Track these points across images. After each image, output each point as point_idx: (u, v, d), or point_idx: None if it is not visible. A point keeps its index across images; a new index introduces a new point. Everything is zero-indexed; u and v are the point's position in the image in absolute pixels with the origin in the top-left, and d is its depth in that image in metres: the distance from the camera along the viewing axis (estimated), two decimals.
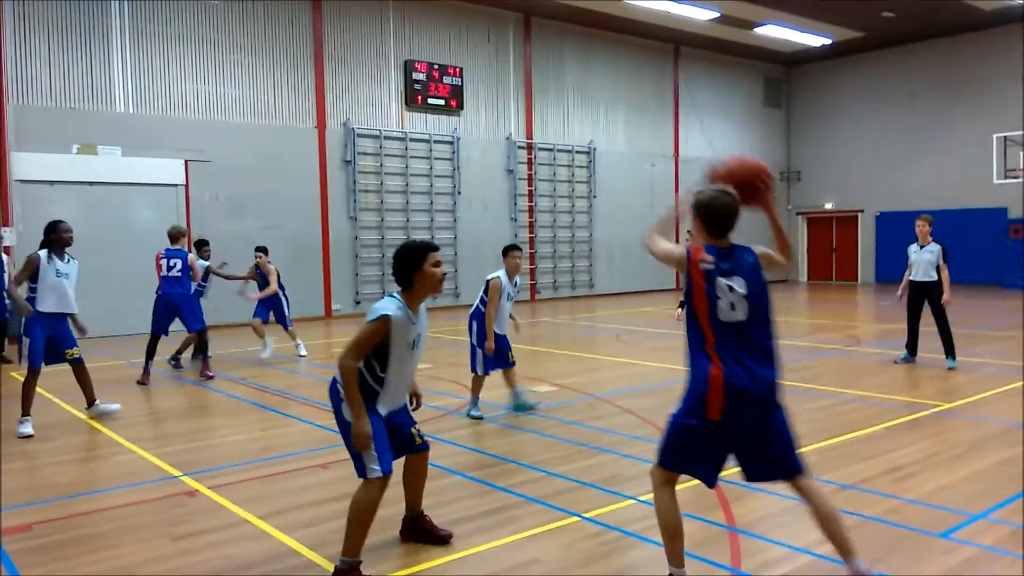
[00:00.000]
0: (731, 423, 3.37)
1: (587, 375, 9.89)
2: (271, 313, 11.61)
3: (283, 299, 11.65)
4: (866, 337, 13.22)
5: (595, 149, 22.39)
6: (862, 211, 26.11)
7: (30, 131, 14.15)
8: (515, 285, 7.53)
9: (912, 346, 10.09)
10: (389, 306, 3.87)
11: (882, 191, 25.29)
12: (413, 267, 3.94)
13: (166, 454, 6.40)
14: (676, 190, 22.77)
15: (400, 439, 4.18)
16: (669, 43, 24.05)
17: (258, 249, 11.85)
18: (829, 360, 10.74)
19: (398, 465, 4.13)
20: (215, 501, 5.19)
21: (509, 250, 7.53)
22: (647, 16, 20.83)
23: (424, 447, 4.34)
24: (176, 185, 15.75)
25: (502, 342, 7.46)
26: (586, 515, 4.74)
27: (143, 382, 9.61)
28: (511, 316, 7.62)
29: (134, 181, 15.24)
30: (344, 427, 3.92)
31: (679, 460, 3.53)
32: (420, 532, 4.43)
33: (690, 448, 3.48)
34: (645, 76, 23.79)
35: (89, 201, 14.72)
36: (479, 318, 7.40)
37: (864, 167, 25.81)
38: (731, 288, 3.40)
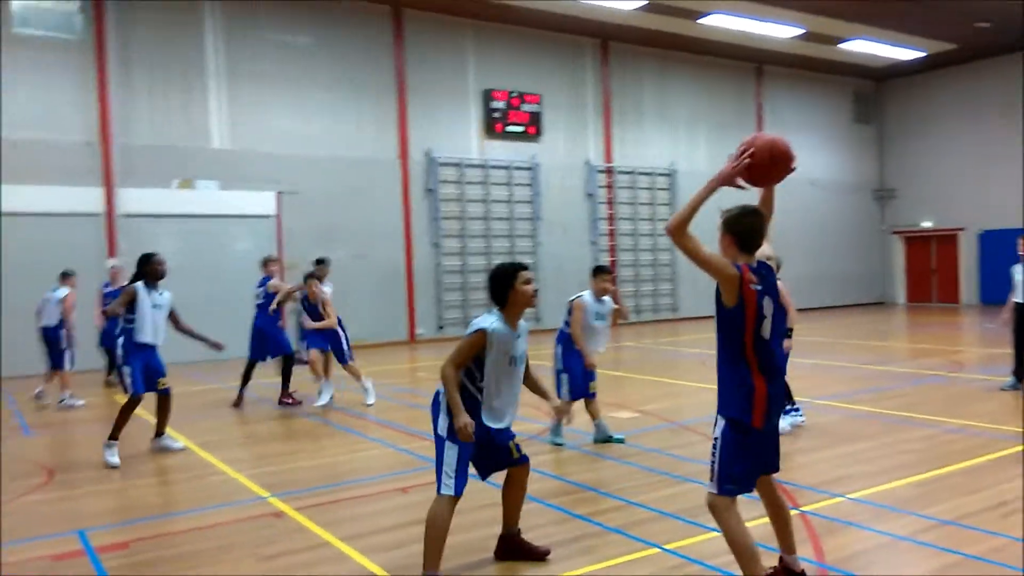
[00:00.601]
0: (768, 428, 3.62)
1: (669, 401, 9.70)
2: (329, 346, 10.14)
3: (340, 330, 10.12)
4: (970, 362, 12.50)
5: (676, 171, 22.13)
6: (963, 229, 24.82)
7: (133, 168, 15.03)
8: (603, 304, 7.38)
9: (1019, 372, 9.48)
10: (488, 320, 4.17)
11: (984, 208, 23.98)
12: (507, 286, 4.23)
13: (255, 475, 6.61)
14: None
15: (498, 455, 4.35)
16: (751, 62, 23.64)
17: (309, 276, 10.19)
18: (930, 387, 10.20)
19: (490, 481, 4.13)
20: (300, 523, 5.31)
21: (598, 272, 7.44)
22: (726, 36, 20.55)
23: (523, 460, 4.45)
24: (269, 216, 16.42)
25: (589, 371, 7.30)
26: (667, 547, 4.62)
27: (237, 405, 9.98)
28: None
29: (230, 213, 15.98)
30: (439, 441, 4.14)
31: (740, 480, 3.60)
32: (516, 551, 4.49)
33: (747, 461, 3.59)
34: (726, 95, 23.42)
35: (188, 233, 15.50)
36: (564, 341, 7.30)
37: (963, 183, 24.56)
38: (768, 306, 3.58)
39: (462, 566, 4.40)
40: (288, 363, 10.32)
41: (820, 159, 25.08)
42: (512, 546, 4.49)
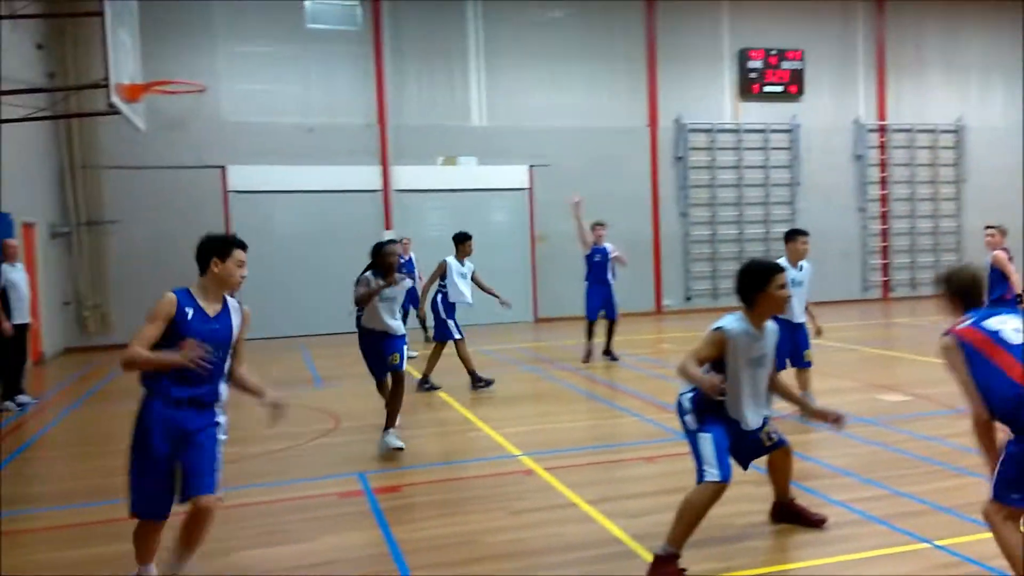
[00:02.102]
0: None
1: (950, 385, 8.69)
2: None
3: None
4: None
5: (964, 127, 19.53)
6: None
7: (404, 147, 16.41)
8: (800, 270, 7.15)
9: None
10: (729, 320, 4.03)
11: None
12: (758, 287, 4.03)
13: (508, 434, 7.00)
14: None
15: (750, 447, 4.28)
16: None
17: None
18: None
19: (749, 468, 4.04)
20: (548, 482, 5.56)
21: (795, 235, 7.24)
22: None
23: (779, 444, 4.36)
24: (523, 189, 17.13)
25: (797, 336, 7.04)
26: (938, 542, 4.19)
27: (586, 360, 10.74)
28: (807, 309, 7.25)
29: (488, 187, 16.92)
30: (691, 437, 4.10)
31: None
32: (791, 515, 4.51)
33: None
34: None
35: (451, 207, 16.66)
36: None
37: None
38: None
39: (702, 540, 4.33)
40: (613, 324, 10.97)
41: None
42: (789, 511, 4.51)
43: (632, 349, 11.82)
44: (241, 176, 15.35)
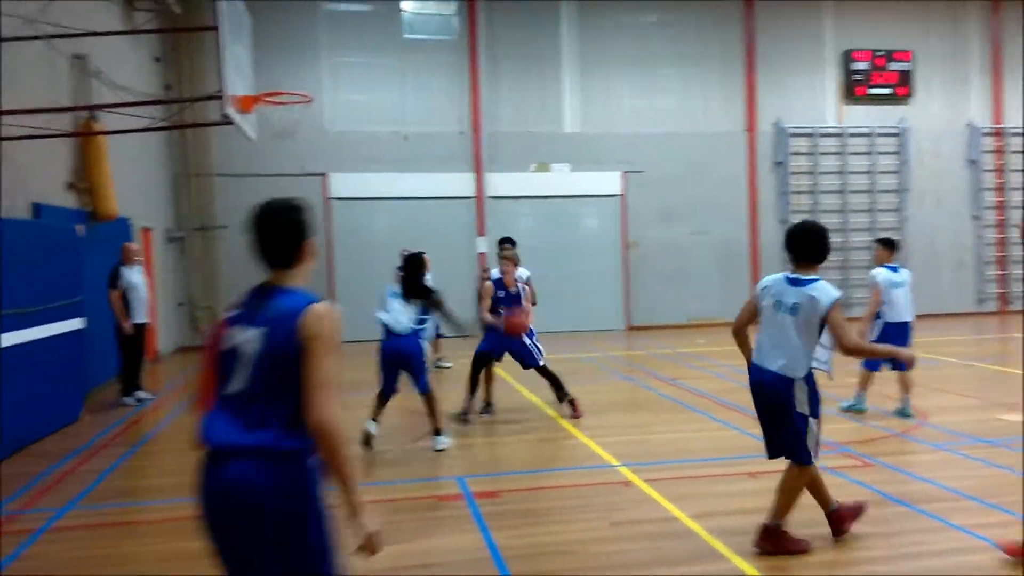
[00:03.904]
0: None
1: None
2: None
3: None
4: None
5: None
6: None
7: (497, 154, 16.54)
8: (898, 271, 7.64)
9: None
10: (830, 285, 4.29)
11: None
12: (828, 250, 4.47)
13: (606, 444, 6.93)
14: None
15: None
16: None
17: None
18: None
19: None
20: (647, 494, 5.46)
21: (888, 244, 7.78)
22: None
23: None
24: (615, 196, 16.99)
25: (903, 330, 7.38)
26: None
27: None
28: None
29: (580, 194, 16.86)
30: (799, 418, 4.18)
31: None
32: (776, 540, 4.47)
33: None
34: None
35: (543, 213, 16.70)
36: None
37: None
38: None
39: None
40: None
41: None
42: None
43: (728, 360, 11.52)
44: (341, 183, 15.83)
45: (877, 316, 7.51)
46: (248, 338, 2.43)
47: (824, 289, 4.16)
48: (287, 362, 2.37)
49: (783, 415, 4.20)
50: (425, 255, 7.35)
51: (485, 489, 5.66)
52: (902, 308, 7.48)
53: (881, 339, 7.18)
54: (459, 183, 16.42)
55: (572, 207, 16.86)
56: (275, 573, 2.38)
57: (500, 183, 16.57)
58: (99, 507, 5.56)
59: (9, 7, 7.28)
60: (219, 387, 2.47)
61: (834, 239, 16.50)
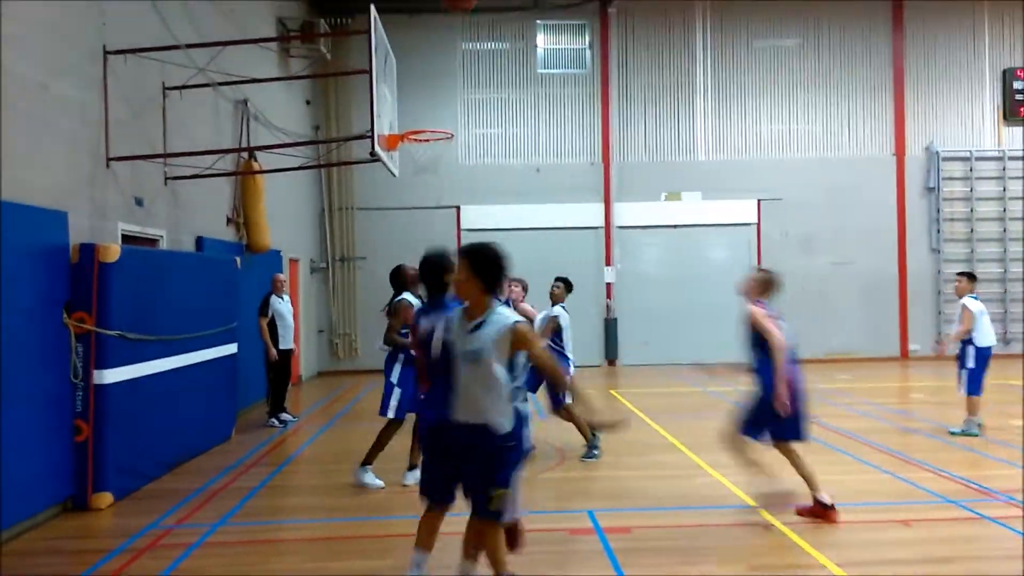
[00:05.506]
0: None
1: None
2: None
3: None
4: None
5: None
6: None
7: (628, 184, 16.47)
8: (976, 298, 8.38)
9: None
10: None
11: None
12: None
13: (740, 483, 6.65)
14: None
15: None
16: None
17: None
18: None
19: None
20: (790, 538, 5.19)
21: (970, 278, 8.55)
22: None
23: None
24: (748, 224, 16.49)
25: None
26: None
27: None
28: None
29: (711, 223, 16.48)
30: None
31: None
32: None
33: None
34: None
35: (672, 242, 16.44)
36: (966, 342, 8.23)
37: None
38: None
39: None
40: None
41: None
42: None
43: (875, 398, 10.82)
44: (474, 215, 16.22)
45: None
46: None
47: None
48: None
49: None
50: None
51: (616, 524, 5.56)
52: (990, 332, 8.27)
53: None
54: (588, 213, 16.46)
55: (702, 236, 16.50)
56: None
57: (629, 212, 16.47)
58: (249, 524, 5.88)
59: (180, 57, 8.00)
60: None
61: (991, 270, 15.46)
